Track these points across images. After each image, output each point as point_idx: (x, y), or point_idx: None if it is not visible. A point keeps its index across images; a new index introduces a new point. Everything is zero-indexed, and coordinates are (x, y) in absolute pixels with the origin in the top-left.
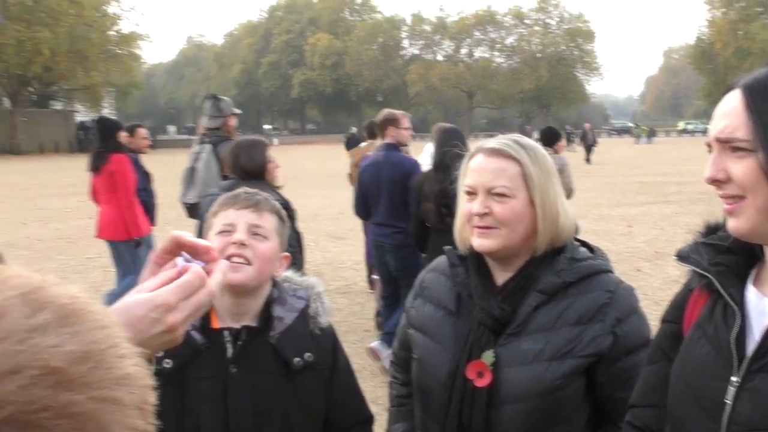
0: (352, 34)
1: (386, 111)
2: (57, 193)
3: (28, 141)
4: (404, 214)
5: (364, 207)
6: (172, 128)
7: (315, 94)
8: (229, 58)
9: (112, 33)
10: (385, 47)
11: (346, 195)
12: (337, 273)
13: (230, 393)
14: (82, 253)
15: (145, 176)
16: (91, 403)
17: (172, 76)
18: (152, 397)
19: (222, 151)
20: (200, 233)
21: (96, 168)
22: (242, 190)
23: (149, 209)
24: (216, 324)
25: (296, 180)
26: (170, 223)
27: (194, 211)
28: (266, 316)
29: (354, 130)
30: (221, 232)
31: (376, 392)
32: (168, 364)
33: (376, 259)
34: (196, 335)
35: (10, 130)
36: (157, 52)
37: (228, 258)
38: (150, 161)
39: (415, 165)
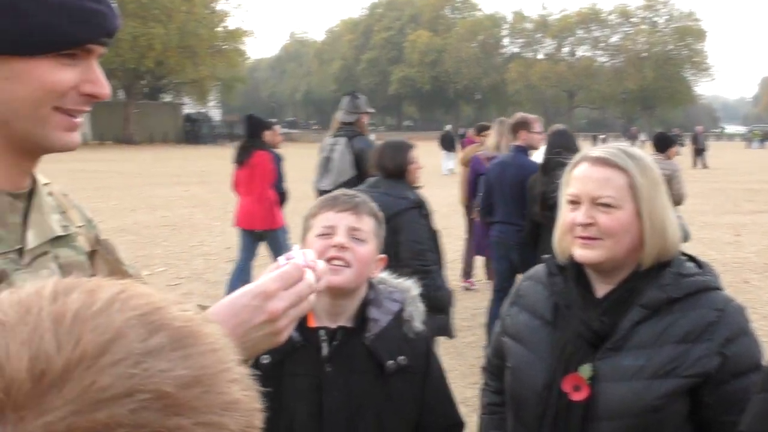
0: (452, 32)
1: (519, 114)
2: (164, 182)
3: (139, 132)
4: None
5: (488, 204)
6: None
7: (413, 90)
8: (330, 54)
9: (219, 29)
10: (485, 45)
11: (439, 193)
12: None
13: (325, 391)
14: (186, 241)
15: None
16: (198, 428)
17: (275, 71)
18: (259, 422)
19: (356, 146)
20: None
21: (241, 161)
22: (341, 191)
23: (283, 202)
24: (312, 323)
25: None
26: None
27: None
28: (362, 317)
29: (449, 127)
30: (321, 235)
31: (465, 393)
32: (266, 359)
33: (497, 256)
34: (293, 332)
35: (123, 122)
36: (260, 47)
37: (328, 260)
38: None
39: (536, 169)
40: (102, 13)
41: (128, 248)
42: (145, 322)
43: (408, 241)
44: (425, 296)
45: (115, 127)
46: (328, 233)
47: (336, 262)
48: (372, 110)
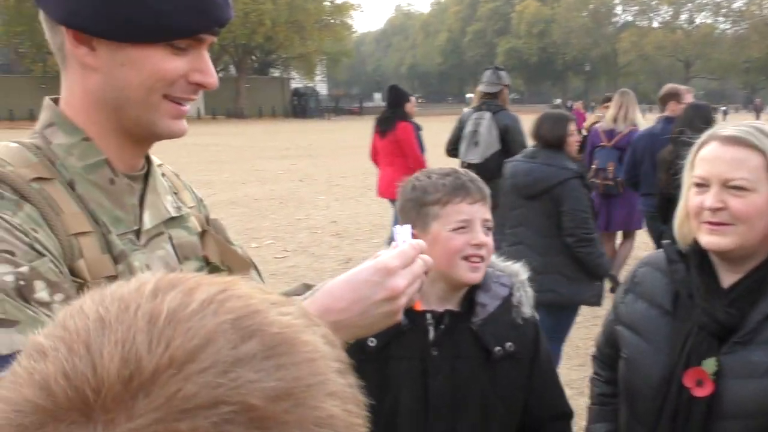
0: (561, 1)
1: (669, 85)
2: (272, 155)
3: (249, 106)
4: None
5: (633, 175)
6: (377, 95)
7: (519, 63)
8: (435, 26)
9: (326, 3)
10: (596, 14)
11: None
12: None
13: (430, 374)
14: (292, 214)
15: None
16: None
17: (380, 45)
18: None
19: (500, 120)
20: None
21: (383, 132)
22: (467, 177)
23: None
24: (419, 306)
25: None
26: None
27: (476, 170)
28: (469, 301)
29: (558, 101)
30: (457, 229)
31: (570, 375)
32: (372, 342)
33: (649, 227)
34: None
35: (234, 96)
36: (366, 21)
37: (466, 258)
38: (357, 128)
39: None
40: (216, 4)
41: (238, 221)
42: (239, 326)
43: (572, 210)
44: (587, 263)
45: (226, 102)
46: (463, 227)
47: (475, 259)
48: (509, 83)
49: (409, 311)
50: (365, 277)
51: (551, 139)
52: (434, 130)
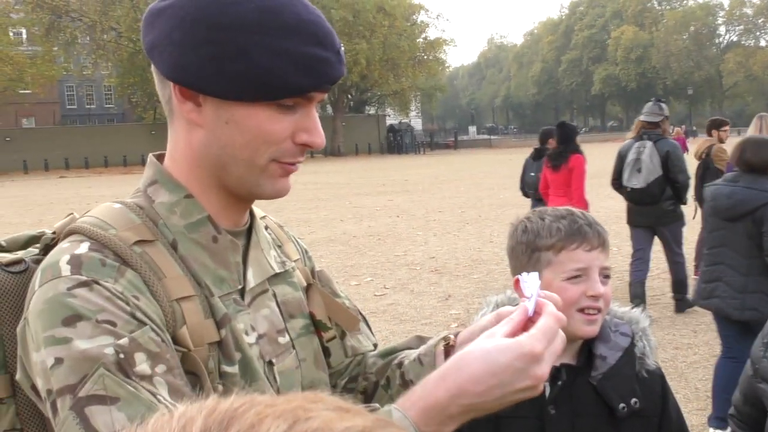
0: (659, 24)
1: None
2: (369, 192)
3: (346, 143)
4: None
5: None
6: (472, 129)
7: (617, 89)
8: (529, 57)
9: (419, 40)
10: (698, 36)
11: None
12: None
13: None
14: (390, 251)
15: None
16: None
17: (473, 78)
18: None
19: (661, 147)
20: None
21: (556, 166)
22: (585, 221)
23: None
24: None
25: (596, 180)
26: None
27: (638, 194)
28: (587, 354)
29: (679, 128)
30: (572, 278)
31: (690, 420)
32: None
33: None
34: None
35: (331, 135)
36: (459, 55)
37: (581, 310)
38: (453, 161)
39: None
40: (328, 61)
41: (337, 258)
42: None
43: None
44: None
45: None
46: (578, 275)
47: (592, 311)
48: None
49: None
50: (508, 361)
51: (756, 163)
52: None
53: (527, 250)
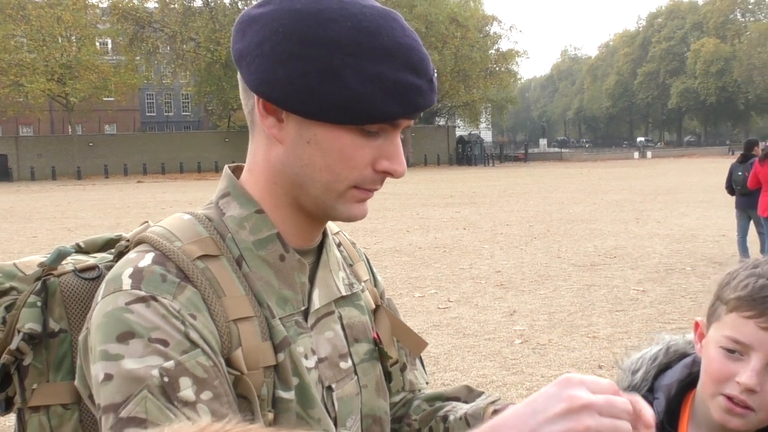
0: (742, 37)
1: None
2: (436, 203)
3: (415, 154)
4: None
5: None
6: (543, 141)
7: (695, 103)
8: (603, 70)
9: (492, 52)
10: None
11: (728, 215)
12: None
13: None
14: (456, 263)
15: None
16: None
17: (545, 90)
18: None
19: None
20: None
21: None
22: None
23: None
24: (684, 429)
25: (670, 196)
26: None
27: None
28: None
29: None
30: (725, 350)
31: None
32: None
33: None
34: None
35: (402, 145)
36: (531, 66)
37: (725, 395)
38: (522, 174)
39: None
40: (420, 89)
41: (402, 269)
42: None
43: None
44: None
45: None
46: (735, 350)
47: (736, 400)
48: None
49: (666, 429)
50: (543, 391)
51: None
52: (601, 176)
53: (716, 295)
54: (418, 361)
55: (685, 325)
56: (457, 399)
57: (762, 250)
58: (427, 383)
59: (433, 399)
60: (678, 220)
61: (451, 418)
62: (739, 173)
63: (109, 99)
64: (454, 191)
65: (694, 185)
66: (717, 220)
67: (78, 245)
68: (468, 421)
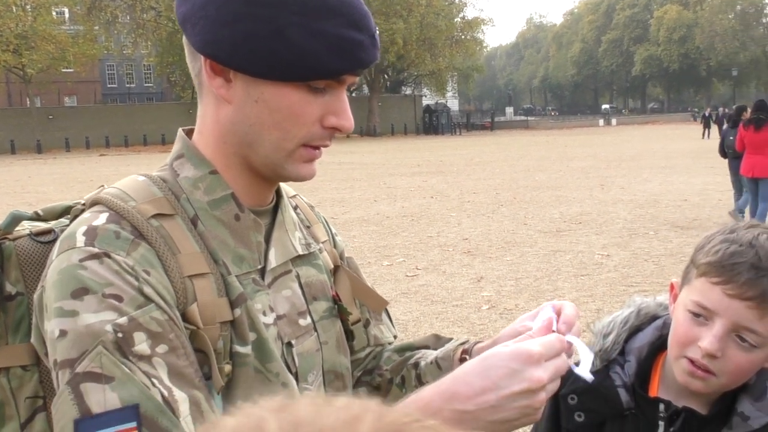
0: (704, 4)
1: None
2: (404, 172)
3: (381, 123)
4: None
5: None
6: (509, 110)
7: (659, 70)
8: (569, 37)
9: (457, 20)
10: (744, 15)
11: (690, 180)
12: (679, 267)
13: None
14: (423, 231)
15: None
16: None
17: (511, 58)
18: None
19: None
20: None
21: (759, 127)
22: (752, 258)
23: None
24: (654, 391)
25: (634, 162)
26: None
27: None
28: (725, 406)
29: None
30: (691, 313)
31: None
32: (579, 417)
33: None
34: (624, 394)
35: (367, 114)
36: (497, 35)
37: (688, 358)
38: (489, 143)
39: None
40: (363, 45)
41: (370, 238)
42: None
43: None
44: None
45: (360, 121)
46: (700, 315)
47: (697, 364)
48: None
49: (637, 393)
50: (502, 362)
51: None
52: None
53: (691, 258)
54: (385, 316)
55: (647, 288)
56: (426, 347)
57: (752, 212)
58: (395, 337)
59: (403, 349)
60: (641, 185)
61: (422, 363)
62: (731, 138)
63: (68, 70)
64: (421, 160)
65: (657, 152)
66: (679, 185)
67: (36, 213)
68: (439, 364)
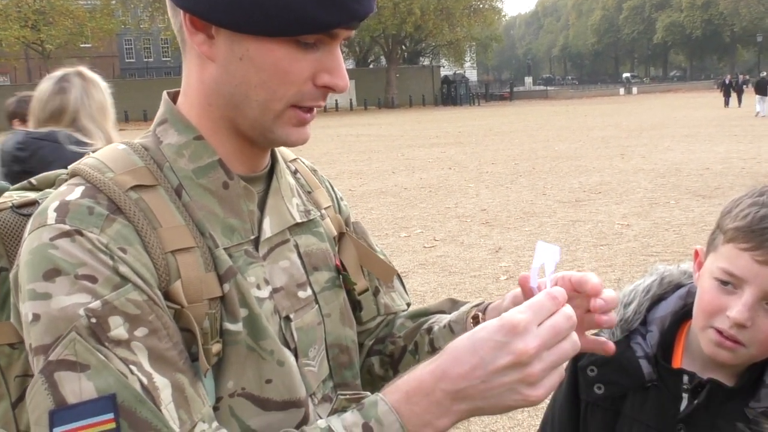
0: None
1: None
2: (422, 144)
3: (399, 95)
4: None
5: None
6: (528, 80)
7: (681, 37)
8: (589, 5)
9: None
10: None
11: (713, 148)
12: (701, 236)
13: None
14: (441, 203)
15: None
16: None
17: (530, 27)
18: None
19: None
20: None
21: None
22: None
23: None
24: (677, 363)
25: (655, 131)
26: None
27: None
28: (751, 376)
29: (764, 74)
30: (718, 281)
31: None
32: (599, 389)
33: None
34: (645, 365)
35: (385, 86)
36: (515, 3)
37: (715, 328)
38: (508, 113)
39: None
40: None
41: (388, 210)
42: None
43: None
44: None
45: (377, 92)
46: (728, 282)
47: (725, 334)
48: None
49: (660, 364)
50: (487, 335)
51: None
52: (587, 113)
53: (717, 223)
54: (398, 283)
55: (668, 257)
56: (442, 312)
57: None
58: (408, 304)
59: (417, 315)
60: (662, 154)
61: (435, 328)
62: None
63: (87, 45)
64: (439, 131)
65: (679, 120)
66: (701, 154)
67: (30, 182)
68: (452, 327)
